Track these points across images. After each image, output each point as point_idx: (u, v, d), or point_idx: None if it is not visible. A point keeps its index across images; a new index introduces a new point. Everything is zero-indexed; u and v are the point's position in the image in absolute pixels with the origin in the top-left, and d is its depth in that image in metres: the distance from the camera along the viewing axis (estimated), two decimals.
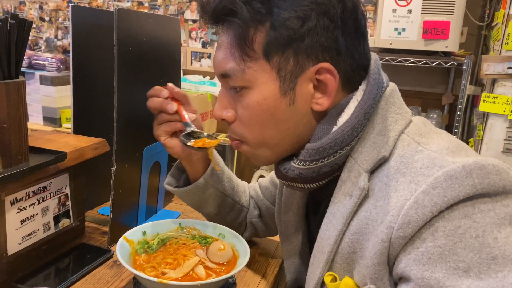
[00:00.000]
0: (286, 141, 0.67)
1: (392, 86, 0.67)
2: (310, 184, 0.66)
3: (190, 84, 2.89)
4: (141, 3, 3.21)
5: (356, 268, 0.61)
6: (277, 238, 1.10)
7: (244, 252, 0.85)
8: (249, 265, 0.97)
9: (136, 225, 0.95)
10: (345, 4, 0.62)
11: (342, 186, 0.63)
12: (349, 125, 0.62)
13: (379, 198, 0.59)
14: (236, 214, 0.99)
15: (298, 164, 0.65)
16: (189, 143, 0.80)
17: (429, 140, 0.61)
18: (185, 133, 0.82)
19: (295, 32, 0.60)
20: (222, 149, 2.82)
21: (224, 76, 0.67)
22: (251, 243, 1.04)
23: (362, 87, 0.65)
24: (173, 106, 0.82)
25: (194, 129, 0.83)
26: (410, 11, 2.10)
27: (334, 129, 0.63)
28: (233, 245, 0.89)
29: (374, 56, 0.69)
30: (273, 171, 1.02)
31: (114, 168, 0.95)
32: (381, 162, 0.61)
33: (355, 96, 0.64)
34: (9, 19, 0.76)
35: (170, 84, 0.85)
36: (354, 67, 0.65)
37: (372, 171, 0.62)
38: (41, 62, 2.81)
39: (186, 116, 0.83)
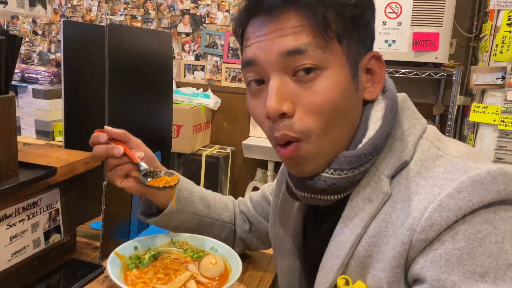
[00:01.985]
0: (345, 135, 0.63)
1: (403, 93, 0.68)
2: (337, 195, 0.64)
3: (184, 96, 2.90)
4: (134, 17, 3.23)
5: (371, 272, 0.60)
6: (269, 251, 1.09)
7: (236, 266, 0.84)
8: (241, 279, 0.97)
9: (128, 240, 0.95)
10: (373, 7, 0.64)
11: (361, 191, 0.63)
12: (385, 129, 0.62)
13: (399, 200, 0.59)
14: (218, 231, 0.98)
15: (332, 174, 0.62)
16: (150, 184, 0.80)
17: (447, 145, 0.62)
18: (142, 174, 0.81)
19: (359, 16, 0.61)
20: (215, 161, 2.82)
21: (292, 54, 0.58)
22: (243, 256, 1.04)
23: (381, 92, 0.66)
24: (119, 150, 0.79)
25: (148, 168, 0.83)
26: (400, 23, 2.12)
27: (369, 134, 0.62)
28: (226, 259, 0.88)
29: None
30: (264, 185, 1.02)
31: (105, 183, 0.95)
32: (402, 167, 0.62)
33: (376, 101, 0.65)
34: None
35: (107, 127, 0.83)
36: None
37: (393, 176, 0.62)
38: (34, 76, 2.81)
39: (136, 155, 0.82)
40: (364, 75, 0.64)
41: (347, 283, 0.62)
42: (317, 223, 0.75)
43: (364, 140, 0.62)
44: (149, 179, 0.81)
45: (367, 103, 0.66)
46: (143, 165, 0.82)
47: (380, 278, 0.58)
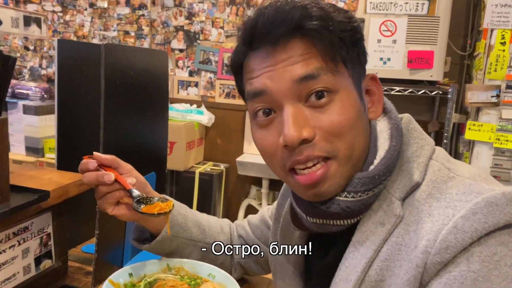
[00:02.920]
0: (363, 156, 0.63)
1: (407, 114, 0.68)
2: (350, 220, 0.62)
3: (177, 113, 2.88)
4: (127, 33, 3.22)
5: None
6: (268, 276, 1.06)
7: None
8: None
9: (122, 264, 0.92)
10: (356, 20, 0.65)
11: (372, 215, 0.62)
12: (396, 149, 0.62)
13: (411, 223, 0.58)
14: (213, 256, 0.95)
15: (346, 197, 0.60)
16: (144, 211, 0.77)
17: (458, 167, 0.62)
18: (135, 200, 0.78)
19: (358, 45, 0.62)
20: (209, 178, 2.78)
21: (305, 79, 0.58)
22: (241, 280, 1.01)
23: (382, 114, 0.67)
24: (110, 177, 0.76)
25: (140, 194, 0.80)
26: (394, 41, 2.13)
27: (379, 154, 0.62)
28: (224, 286, 0.85)
29: None
30: (263, 209, 1.00)
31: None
32: (414, 189, 0.61)
33: (379, 122, 0.66)
34: None
35: (96, 153, 0.80)
36: None
37: (404, 198, 0.61)
38: (24, 91, 2.77)
39: (128, 181, 0.79)
40: (366, 96, 0.65)
41: None
42: (323, 248, 0.72)
43: (376, 161, 0.62)
44: (142, 206, 0.78)
45: (371, 124, 0.66)
46: (136, 192, 0.79)
47: None
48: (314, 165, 0.60)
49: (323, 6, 0.60)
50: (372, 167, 0.61)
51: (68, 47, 1.08)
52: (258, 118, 0.63)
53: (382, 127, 0.65)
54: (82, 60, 1.12)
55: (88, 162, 0.78)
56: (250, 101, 0.64)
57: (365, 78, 0.65)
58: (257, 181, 2.97)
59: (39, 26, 2.05)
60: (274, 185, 2.86)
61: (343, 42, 0.60)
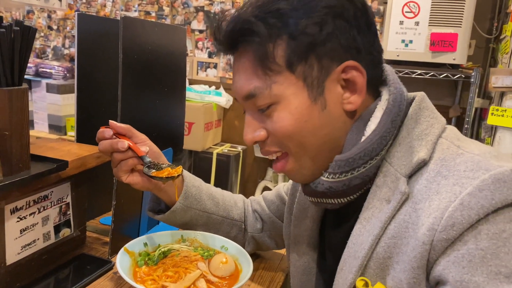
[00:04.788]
0: (325, 149, 0.65)
1: (422, 93, 0.67)
2: (341, 199, 0.65)
3: (196, 94, 2.89)
4: (148, 13, 3.23)
5: (391, 274, 0.59)
6: (281, 251, 1.07)
7: (247, 266, 0.83)
8: (252, 278, 0.95)
9: (138, 236, 0.94)
10: (355, 4, 0.63)
11: (377, 191, 0.62)
12: (377, 133, 0.61)
13: (419, 201, 0.58)
14: (227, 229, 0.97)
15: (327, 178, 0.64)
16: (154, 175, 0.80)
17: (468, 145, 0.61)
18: (146, 166, 0.81)
19: (315, 38, 0.61)
20: (226, 159, 2.80)
21: (248, 98, 0.65)
22: (254, 255, 1.02)
23: (385, 97, 0.65)
24: (124, 144, 0.79)
25: (153, 161, 0.82)
26: (417, 23, 2.08)
27: (362, 139, 0.63)
28: (236, 258, 0.87)
29: (389, 67, 0.69)
30: (279, 185, 1.00)
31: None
32: (421, 166, 0.60)
33: (380, 105, 0.64)
34: (13, 26, 0.75)
35: (111, 122, 0.82)
36: (375, 63, 0.66)
37: (410, 176, 0.61)
38: (47, 70, 2.82)
39: (141, 149, 0.82)
40: (339, 87, 0.64)
41: (366, 284, 0.61)
42: (336, 224, 0.73)
43: (357, 145, 0.63)
44: (152, 171, 0.81)
45: (373, 103, 0.66)
46: (147, 158, 0.81)
47: (401, 280, 0.57)
48: (277, 157, 0.69)
49: (265, 16, 0.61)
50: (353, 149, 0.62)
51: (88, 22, 1.09)
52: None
53: (377, 112, 0.64)
54: (102, 36, 1.13)
55: (104, 130, 0.81)
56: None
57: (335, 70, 0.62)
58: None
59: None
60: None
61: (292, 45, 0.61)
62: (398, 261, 0.58)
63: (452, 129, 0.65)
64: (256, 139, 0.67)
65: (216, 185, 1.02)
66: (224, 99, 2.92)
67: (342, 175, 0.62)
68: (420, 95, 0.66)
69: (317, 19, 0.60)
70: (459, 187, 0.54)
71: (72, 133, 2.74)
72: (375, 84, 0.67)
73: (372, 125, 0.63)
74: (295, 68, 0.62)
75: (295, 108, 0.63)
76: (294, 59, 0.62)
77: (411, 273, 0.55)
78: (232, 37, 0.65)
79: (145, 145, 0.83)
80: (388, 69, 0.68)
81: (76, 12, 1.08)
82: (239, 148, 2.96)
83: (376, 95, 0.67)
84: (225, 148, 2.93)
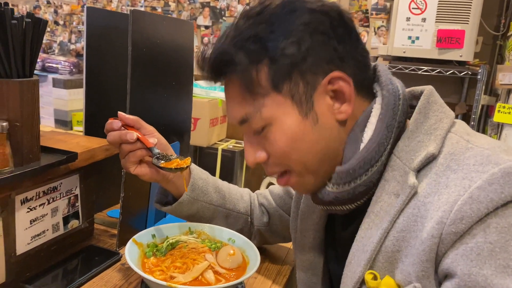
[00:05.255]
0: (325, 162, 0.66)
1: (430, 86, 0.67)
2: (348, 205, 0.66)
3: (201, 90, 2.89)
4: (154, 8, 3.24)
5: (399, 267, 0.59)
6: (287, 244, 1.08)
7: (254, 258, 0.83)
8: (259, 271, 0.96)
9: (145, 228, 0.95)
10: (330, 15, 0.63)
11: (386, 185, 0.63)
12: (374, 141, 0.62)
13: (428, 195, 0.58)
14: (233, 221, 0.97)
15: (332, 188, 0.65)
16: (163, 166, 0.80)
17: (477, 139, 0.61)
18: (155, 157, 0.81)
19: (295, 56, 0.62)
20: (231, 155, 2.81)
21: (242, 123, 0.67)
22: (261, 248, 1.02)
23: (378, 100, 0.65)
24: (132, 135, 0.80)
25: (161, 152, 0.83)
26: (424, 20, 2.08)
27: (361, 147, 0.63)
28: (243, 251, 0.87)
29: (381, 66, 0.69)
30: None
31: (124, 170, 0.94)
32: (430, 160, 0.61)
33: (374, 110, 0.65)
34: (24, 18, 0.76)
35: (120, 113, 0.83)
36: (362, 67, 0.66)
37: (419, 170, 0.61)
38: (54, 65, 2.83)
39: (149, 140, 0.82)
40: (328, 99, 0.64)
41: (374, 278, 0.61)
42: (345, 218, 0.73)
43: (356, 155, 0.63)
44: (161, 162, 0.81)
45: (366, 108, 0.66)
46: (156, 150, 0.82)
47: (409, 273, 0.57)
48: (280, 174, 0.70)
49: (244, 44, 0.62)
50: (352, 160, 0.63)
51: (97, 15, 1.10)
52: None
53: (372, 118, 0.64)
54: (110, 29, 1.13)
55: (112, 122, 0.82)
56: None
57: (321, 83, 0.63)
58: None
59: None
60: None
61: (274, 67, 0.62)
62: (406, 254, 0.58)
63: (461, 124, 0.65)
64: (258, 161, 0.69)
65: (221, 179, 1.02)
66: None
67: (345, 185, 0.63)
68: (428, 89, 0.66)
69: (294, 38, 0.61)
70: (468, 181, 0.54)
71: (78, 128, 2.75)
72: (367, 86, 0.67)
73: (369, 131, 0.64)
74: (281, 88, 0.63)
75: (288, 127, 0.64)
76: (279, 79, 0.63)
77: (420, 266, 0.56)
78: (215, 69, 0.66)
79: (153, 137, 0.84)
80: (381, 69, 0.69)
81: (85, 6, 1.09)
82: None
83: (372, 96, 0.67)
84: (230, 144, 2.94)
